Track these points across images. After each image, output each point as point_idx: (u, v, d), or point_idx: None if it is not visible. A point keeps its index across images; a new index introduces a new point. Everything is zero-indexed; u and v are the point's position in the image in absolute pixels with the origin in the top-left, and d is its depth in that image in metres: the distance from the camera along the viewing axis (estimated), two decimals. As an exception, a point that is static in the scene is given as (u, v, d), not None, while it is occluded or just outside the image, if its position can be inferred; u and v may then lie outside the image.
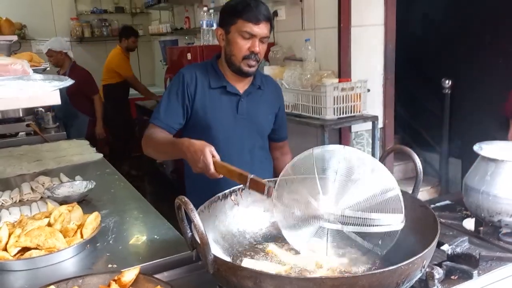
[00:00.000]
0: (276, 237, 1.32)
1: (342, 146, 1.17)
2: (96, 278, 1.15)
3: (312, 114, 2.97)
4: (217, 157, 1.43)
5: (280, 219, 1.20)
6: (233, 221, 1.33)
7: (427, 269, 1.09)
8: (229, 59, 1.78)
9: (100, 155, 2.77)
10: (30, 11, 6.38)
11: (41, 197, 1.99)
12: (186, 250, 1.22)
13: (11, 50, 2.50)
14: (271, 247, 1.28)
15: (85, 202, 1.90)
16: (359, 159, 1.15)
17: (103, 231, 1.56)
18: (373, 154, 3.20)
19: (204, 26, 3.90)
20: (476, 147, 1.42)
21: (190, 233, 1.10)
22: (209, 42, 3.88)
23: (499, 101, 3.33)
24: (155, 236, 1.55)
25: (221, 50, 1.83)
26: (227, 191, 1.35)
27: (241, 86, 1.85)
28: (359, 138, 3.33)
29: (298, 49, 3.46)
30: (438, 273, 1.11)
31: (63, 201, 1.82)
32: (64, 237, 1.42)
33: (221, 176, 1.41)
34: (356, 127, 3.26)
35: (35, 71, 1.37)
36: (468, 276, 1.14)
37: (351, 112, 2.95)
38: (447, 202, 1.68)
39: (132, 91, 5.78)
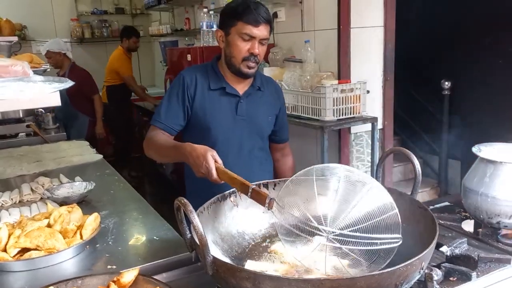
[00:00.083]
0: (276, 238, 1.33)
1: (342, 165, 1.20)
2: (95, 279, 1.15)
3: (312, 115, 2.97)
4: (220, 161, 1.44)
5: (281, 232, 1.21)
6: (232, 223, 1.34)
7: (426, 271, 1.10)
8: (228, 61, 1.78)
9: (100, 156, 2.78)
10: (31, 12, 6.39)
11: (41, 198, 1.99)
12: (185, 251, 1.23)
13: (12, 51, 2.51)
14: (275, 246, 1.29)
15: (85, 203, 1.90)
16: (359, 179, 1.17)
17: (103, 232, 1.57)
18: (372, 156, 3.21)
19: (204, 27, 3.90)
20: (475, 149, 1.43)
21: (189, 235, 1.10)
22: (209, 43, 3.88)
23: (499, 102, 3.34)
24: (155, 237, 1.55)
25: (221, 51, 1.84)
26: (226, 192, 1.35)
27: (241, 88, 1.85)
28: (359, 140, 3.34)
29: (297, 50, 3.46)
30: (437, 274, 1.11)
31: (62, 202, 1.82)
32: (64, 238, 1.42)
33: (223, 181, 1.42)
34: (355, 129, 3.26)
35: (36, 72, 1.37)
36: (467, 278, 1.14)
37: (350, 114, 2.95)
38: (446, 203, 1.68)
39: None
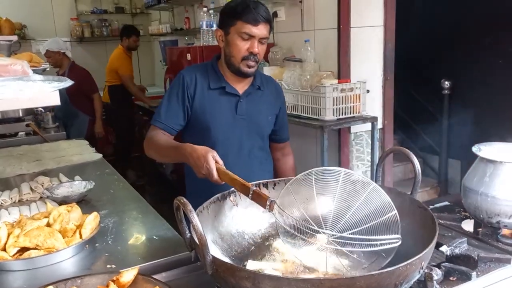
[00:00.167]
0: (277, 236, 1.33)
1: (342, 168, 1.21)
2: (94, 278, 1.15)
3: (312, 115, 2.97)
4: (220, 162, 1.44)
5: (282, 232, 1.21)
6: (232, 222, 1.33)
7: (426, 270, 1.09)
8: (228, 60, 1.78)
9: (100, 155, 2.77)
10: (30, 11, 6.39)
11: (40, 197, 1.99)
12: (185, 250, 1.22)
13: (11, 50, 2.51)
14: (276, 244, 1.29)
15: (84, 202, 1.90)
16: (358, 182, 1.19)
17: (102, 232, 1.56)
18: (372, 155, 3.21)
19: (204, 27, 3.90)
20: (474, 148, 1.43)
21: (189, 234, 1.10)
22: (209, 42, 3.88)
23: (499, 102, 3.34)
24: (154, 237, 1.55)
25: (221, 51, 1.83)
26: (226, 192, 1.35)
27: (241, 87, 1.85)
28: (359, 139, 3.34)
29: (297, 50, 3.46)
30: (437, 274, 1.11)
31: (62, 201, 1.82)
32: (63, 237, 1.42)
33: (224, 182, 1.41)
34: (355, 128, 3.26)
35: (35, 71, 1.37)
36: (466, 277, 1.14)
37: (350, 113, 2.95)
38: (446, 203, 1.68)
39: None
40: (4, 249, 1.36)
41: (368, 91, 3.04)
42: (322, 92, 2.84)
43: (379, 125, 3.25)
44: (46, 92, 1.11)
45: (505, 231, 1.37)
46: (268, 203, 1.20)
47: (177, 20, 6.11)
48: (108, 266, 1.35)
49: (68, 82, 1.17)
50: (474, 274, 1.14)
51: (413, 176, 1.32)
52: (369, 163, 3.35)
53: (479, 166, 1.41)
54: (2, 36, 2.79)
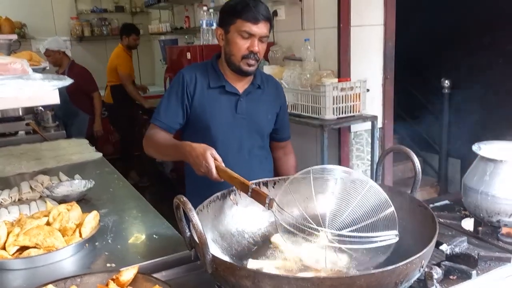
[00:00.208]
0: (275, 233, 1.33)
1: (339, 166, 1.21)
2: (94, 277, 1.15)
3: (312, 114, 2.97)
4: (219, 159, 1.44)
5: (281, 230, 1.21)
6: (232, 221, 1.33)
7: (426, 269, 1.09)
8: (228, 59, 1.78)
9: (100, 154, 2.77)
10: (30, 10, 6.38)
11: (40, 196, 1.98)
12: (184, 249, 1.22)
13: (11, 49, 2.50)
14: (274, 238, 1.29)
15: (84, 201, 1.90)
16: (356, 180, 1.19)
17: (102, 230, 1.56)
18: (372, 154, 3.21)
19: (204, 26, 3.89)
20: (475, 147, 1.42)
21: (189, 233, 1.10)
22: (209, 41, 3.88)
23: (499, 100, 3.34)
24: (154, 236, 1.55)
25: (221, 49, 1.83)
26: (226, 190, 1.35)
27: (241, 86, 1.85)
28: (358, 138, 3.33)
29: (297, 48, 3.46)
30: (437, 273, 1.11)
31: (62, 200, 1.82)
32: (63, 236, 1.42)
33: (224, 180, 1.42)
34: (355, 127, 3.26)
35: (35, 70, 1.37)
36: (467, 276, 1.14)
37: (350, 112, 2.95)
38: (446, 202, 1.68)
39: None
40: (3, 248, 1.36)
41: (368, 90, 3.04)
42: (322, 91, 2.84)
43: (379, 124, 3.24)
44: (45, 91, 1.11)
45: (505, 230, 1.37)
46: (267, 201, 1.20)
47: (177, 19, 6.10)
48: (108, 265, 1.35)
49: (67, 81, 1.17)
50: (474, 273, 1.14)
51: (412, 175, 1.32)
52: (369, 162, 3.34)
53: (479, 164, 1.41)
54: (1, 35, 2.78)
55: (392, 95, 3.38)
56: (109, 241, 1.52)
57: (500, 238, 1.35)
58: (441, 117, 3.88)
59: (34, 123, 3.50)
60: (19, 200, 1.97)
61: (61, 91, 1.14)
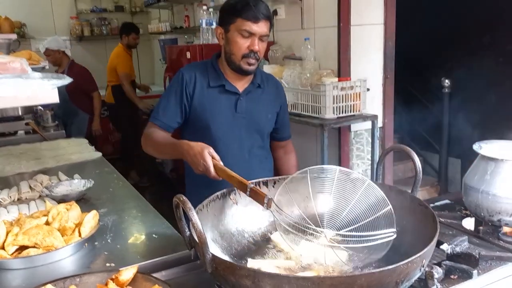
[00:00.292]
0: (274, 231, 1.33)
1: (336, 167, 1.22)
2: (93, 276, 1.15)
3: (312, 113, 2.96)
4: (217, 157, 1.44)
5: (281, 229, 1.22)
6: (232, 220, 1.33)
7: (427, 269, 1.09)
8: (228, 58, 1.78)
9: (99, 154, 2.77)
10: (30, 10, 6.38)
11: (40, 196, 1.98)
12: (184, 249, 1.22)
13: (10, 49, 2.50)
14: (274, 237, 1.29)
15: (84, 201, 1.90)
16: (353, 179, 1.20)
17: (102, 230, 1.56)
18: (372, 154, 3.20)
19: (204, 25, 3.89)
20: (475, 146, 1.42)
21: (189, 232, 1.10)
22: (209, 41, 3.87)
23: (499, 100, 3.34)
24: (154, 235, 1.55)
25: (221, 49, 1.83)
26: (225, 190, 1.35)
27: (241, 85, 1.84)
28: (359, 138, 3.33)
29: (297, 48, 3.45)
30: (438, 272, 1.11)
31: (61, 200, 1.81)
32: (62, 236, 1.42)
33: (222, 178, 1.41)
34: (355, 127, 3.25)
35: (34, 69, 1.36)
36: (467, 276, 1.13)
37: (350, 111, 2.94)
38: (447, 201, 1.68)
39: (138, 90, 5.73)
40: (3, 248, 1.35)
41: (368, 89, 3.03)
42: (322, 91, 2.84)
43: (379, 123, 3.24)
44: (44, 90, 1.10)
45: (506, 229, 1.37)
46: (265, 200, 1.20)
47: (177, 19, 6.10)
48: (108, 264, 1.35)
49: (67, 80, 1.16)
50: (475, 272, 1.13)
51: (413, 175, 1.32)
52: (369, 162, 3.34)
53: (480, 164, 1.40)
54: (1, 34, 2.78)
55: (392, 95, 3.37)
56: (109, 240, 1.52)
57: (501, 237, 1.35)
58: (441, 117, 3.88)
59: (33, 122, 3.50)
60: (18, 199, 1.97)
61: (61, 90, 1.13)
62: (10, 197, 1.95)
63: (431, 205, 1.59)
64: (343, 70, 3.13)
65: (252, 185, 1.25)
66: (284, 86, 3.02)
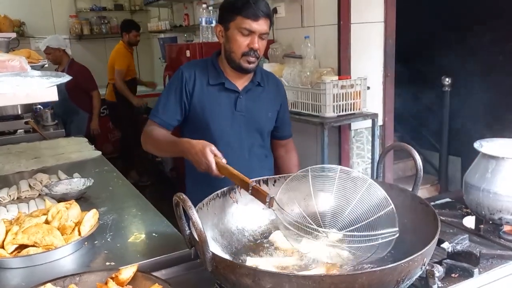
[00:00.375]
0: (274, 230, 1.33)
1: (338, 166, 1.22)
2: (93, 275, 1.14)
3: (312, 111, 2.96)
4: (219, 154, 1.44)
5: (283, 228, 1.21)
6: (232, 219, 1.33)
7: (427, 267, 1.09)
8: (228, 56, 1.77)
9: (99, 153, 2.77)
10: (30, 9, 6.36)
11: (39, 195, 1.98)
12: (184, 248, 1.22)
13: (10, 47, 2.49)
14: (274, 237, 1.29)
15: (83, 200, 1.89)
16: (355, 179, 1.19)
17: (101, 229, 1.56)
18: (372, 152, 3.20)
19: (203, 23, 3.88)
20: (476, 144, 1.41)
21: (189, 231, 1.09)
22: (208, 39, 3.86)
23: (499, 98, 3.33)
24: (154, 234, 1.55)
25: (221, 47, 1.82)
26: (225, 188, 1.34)
27: (241, 83, 1.83)
28: (359, 136, 3.32)
29: (297, 46, 3.44)
30: (438, 271, 1.10)
31: (61, 199, 1.81)
32: (62, 235, 1.42)
33: (224, 176, 1.41)
34: (355, 125, 3.24)
35: (33, 67, 1.36)
36: (468, 274, 1.13)
37: (350, 110, 2.94)
38: (447, 199, 1.67)
39: (139, 88, 5.71)
40: (2, 247, 1.35)
41: (368, 87, 3.03)
42: (322, 89, 2.83)
43: (380, 122, 3.23)
44: (43, 88, 1.10)
45: (507, 228, 1.36)
46: (267, 199, 1.19)
47: (176, 17, 6.09)
48: (107, 263, 1.34)
49: (66, 78, 1.16)
50: (476, 271, 1.13)
51: (413, 173, 1.32)
52: (370, 160, 3.33)
53: (480, 162, 1.39)
54: (0, 33, 2.77)
55: (392, 93, 3.37)
56: (109, 239, 1.51)
57: (502, 236, 1.34)
58: (442, 115, 3.87)
59: (33, 121, 3.50)
60: (18, 198, 1.97)
61: (61, 89, 1.13)
62: (10, 196, 1.95)
63: (432, 203, 1.58)
64: (343, 68, 3.13)
65: (254, 184, 1.25)
66: (284, 85, 3.01)
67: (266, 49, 3.36)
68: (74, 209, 1.55)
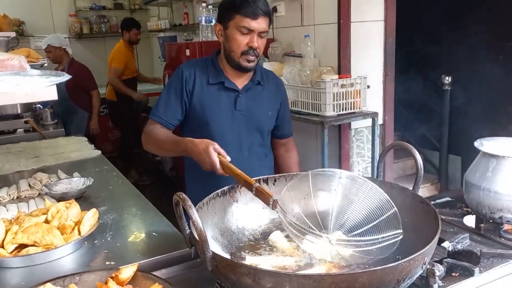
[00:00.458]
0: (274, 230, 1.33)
1: (338, 170, 1.23)
2: (93, 275, 1.14)
3: (312, 110, 2.96)
4: (223, 152, 1.44)
5: (286, 227, 1.22)
6: (232, 218, 1.33)
7: (428, 266, 1.08)
8: (228, 55, 1.77)
9: (99, 152, 2.76)
10: (29, 8, 6.36)
11: (39, 194, 1.98)
12: (184, 247, 1.21)
13: (9, 47, 2.49)
14: (274, 237, 1.29)
15: (83, 199, 1.89)
16: (356, 183, 1.20)
17: (101, 228, 1.55)
18: (372, 151, 3.20)
19: (203, 22, 3.87)
20: (477, 143, 1.41)
21: (189, 230, 1.09)
22: (208, 38, 3.86)
23: (500, 97, 3.33)
24: (154, 233, 1.54)
25: (220, 45, 1.82)
26: (226, 188, 1.34)
27: (240, 82, 1.83)
28: (359, 135, 3.32)
29: (297, 45, 3.44)
30: (439, 270, 1.10)
31: (60, 198, 1.81)
32: (62, 234, 1.41)
33: (229, 175, 1.41)
34: (355, 124, 3.24)
35: (33, 66, 1.36)
36: (469, 273, 1.13)
37: (351, 109, 2.93)
38: (448, 199, 1.67)
39: (139, 87, 5.69)
40: (2, 246, 1.35)
41: (368, 86, 3.02)
42: (322, 88, 2.83)
43: (380, 121, 3.23)
44: (43, 87, 1.10)
45: (507, 227, 1.36)
46: (271, 201, 1.19)
47: (176, 16, 6.08)
48: (107, 262, 1.34)
49: (65, 77, 1.16)
50: (476, 270, 1.13)
51: (413, 172, 1.32)
52: (370, 159, 3.33)
53: (481, 161, 1.39)
54: (0, 32, 2.77)
55: (392, 92, 3.36)
56: (108, 239, 1.51)
57: (502, 234, 1.34)
58: (442, 114, 3.87)
59: (33, 121, 3.49)
60: (17, 198, 1.96)
61: (61, 88, 1.13)
62: (10, 195, 1.95)
63: (432, 202, 1.58)
64: (343, 67, 3.12)
65: (257, 185, 1.24)
66: (284, 84, 3.01)
67: (266, 48, 3.36)
68: (74, 208, 1.54)
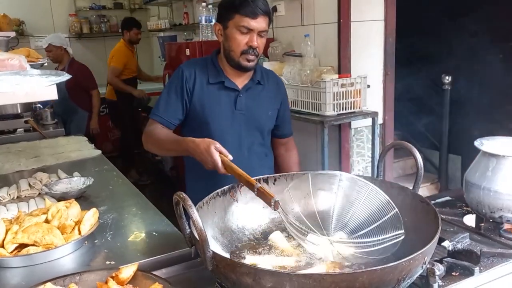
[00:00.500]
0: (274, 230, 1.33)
1: (338, 172, 1.24)
2: (93, 274, 1.14)
3: (312, 110, 2.96)
4: (225, 151, 1.44)
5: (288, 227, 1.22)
6: (232, 218, 1.33)
7: (428, 266, 1.08)
8: (228, 54, 1.77)
9: (99, 152, 2.76)
10: (29, 8, 6.36)
11: (39, 194, 1.98)
12: (184, 246, 1.21)
13: (9, 46, 2.49)
14: (274, 237, 1.29)
15: (83, 199, 1.89)
16: (357, 184, 1.20)
17: (101, 228, 1.55)
18: (372, 151, 3.20)
19: (203, 22, 3.87)
20: (477, 143, 1.41)
21: (189, 230, 1.09)
22: (208, 37, 3.86)
23: (500, 96, 3.33)
24: (154, 233, 1.54)
25: (220, 45, 1.82)
26: (226, 187, 1.34)
27: (240, 81, 1.83)
28: (359, 135, 3.32)
29: (297, 44, 3.44)
30: (439, 269, 1.10)
31: (61, 198, 1.81)
32: (62, 234, 1.41)
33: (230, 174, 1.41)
34: (356, 123, 3.24)
35: (33, 66, 1.36)
36: (469, 273, 1.13)
37: (351, 108, 2.93)
38: (448, 198, 1.67)
39: (140, 87, 5.68)
40: (2, 246, 1.35)
41: (368, 86, 3.02)
42: (322, 87, 2.83)
43: (380, 120, 3.23)
44: (43, 87, 1.10)
45: (507, 226, 1.36)
46: (272, 202, 1.19)
47: (176, 16, 6.08)
48: (107, 262, 1.34)
49: (65, 76, 1.16)
50: (476, 269, 1.13)
51: (413, 172, 1.32)
52: (370, 159, 3.33)
53: (481, 160, 1.39)
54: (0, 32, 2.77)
55: (392, 91, 3.36)
56: (109, 238, 1.51)
57: (502, 234, 1.34)
58: (442, 113, 3.87)
59: (33, 120, 3.49)
60: (17, 197, 1.96)
61: (61, 88, 1.13)
62: (10, 195, 1.95)
63: (432, 202, 1.58)
64: (343, 67, 3.12)
65: (259, 185, 1.24)
66: (284, 83, 3.01)
67: (266, 48, 3.36)
68: (74, 208, 1.55)
